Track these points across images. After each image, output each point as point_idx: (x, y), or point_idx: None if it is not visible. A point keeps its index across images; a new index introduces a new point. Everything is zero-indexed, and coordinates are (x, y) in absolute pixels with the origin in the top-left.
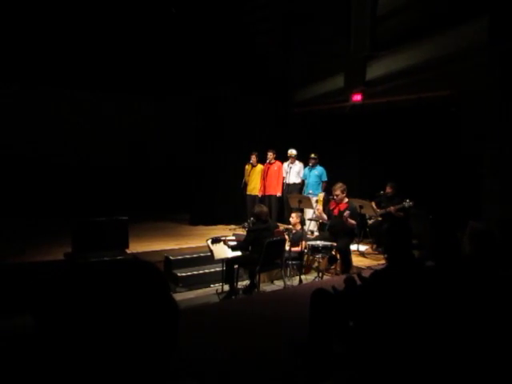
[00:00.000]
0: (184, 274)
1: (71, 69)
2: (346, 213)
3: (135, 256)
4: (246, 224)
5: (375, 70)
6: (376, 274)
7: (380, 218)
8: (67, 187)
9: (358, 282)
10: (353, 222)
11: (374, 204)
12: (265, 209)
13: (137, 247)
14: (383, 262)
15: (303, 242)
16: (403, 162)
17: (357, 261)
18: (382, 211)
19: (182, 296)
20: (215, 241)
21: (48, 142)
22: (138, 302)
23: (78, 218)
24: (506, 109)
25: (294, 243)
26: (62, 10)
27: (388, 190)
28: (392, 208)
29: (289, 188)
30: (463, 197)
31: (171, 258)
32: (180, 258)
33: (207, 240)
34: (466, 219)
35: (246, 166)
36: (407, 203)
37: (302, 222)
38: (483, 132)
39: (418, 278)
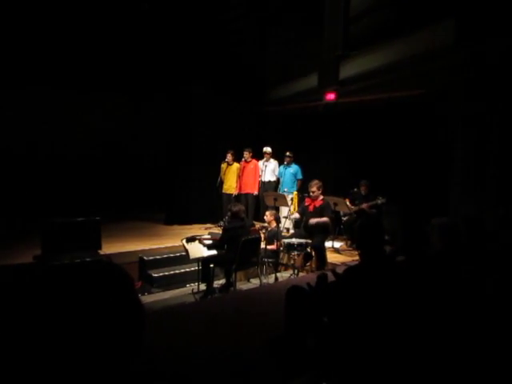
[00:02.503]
0: (159, 275)
1: (41, 65)
2: (312, 221)
3: (108, 257)
4: (221, 223)
5: (348, 70)
6: (349, 269)
7: (354, 215)
8: (36, 186)
9: (332, 279)
10: (325, 219)
11: (347, 201)
12: (240, 207)
13: (110, 248)
14: (357, 258)
15: (278, 240)
16: (376, 160)
17: (332, 257)
18: (356, 208)
19: (158, 296)
20: (190, 240)
21: (15, 138)
22: (102, 304)
23: (48, 218)
24: (469, 109)
25: (269, 241)
26: (30, 4)
27: (362, 187)
28: (365, 205)
29: (264, 186)
30: (433, 194)
31: (146, 258)
32: (155, 258)
33: (182, 239)
34: (435, 216)
35: (222, 165)
36: (380, 200)
37: (278, 220)
38: (451, 132)
39: (389, 273)
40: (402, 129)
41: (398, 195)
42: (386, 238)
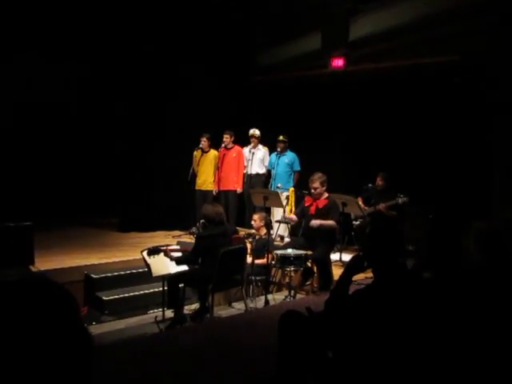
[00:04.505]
0: (111, 298)
1: None
2: (315, 222)
3: (43, 274)
4: (194, 229)
5: (361, 28)
6: (359, 290)
7: (369, 219)
8: None
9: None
10: (331, 222)
11: (360, 200)
12: (219, 208)
13: (46, 263)
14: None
15: (269, 252)
16: (397, 146)
17: (339, 274)
18: (371, 209)
19: (110, 326)
20: (153, 252)
21: None
22: (35, 335)
23: None
24: None
25: (257, 253)
26: None
27: (378, 182)
28: (382, 205)
29: (251, 180)
30: (471, 192)
31: (94, 276)
32: (106, 275)
33: (142, 251)
34: (472, 219)
35: (195, 153)
36: (401, 199)
37: (268, 226)
38: (494, 110)
39: (412, 294)
40: (430, 106)
41: (425, 192)
42: (410, 248)
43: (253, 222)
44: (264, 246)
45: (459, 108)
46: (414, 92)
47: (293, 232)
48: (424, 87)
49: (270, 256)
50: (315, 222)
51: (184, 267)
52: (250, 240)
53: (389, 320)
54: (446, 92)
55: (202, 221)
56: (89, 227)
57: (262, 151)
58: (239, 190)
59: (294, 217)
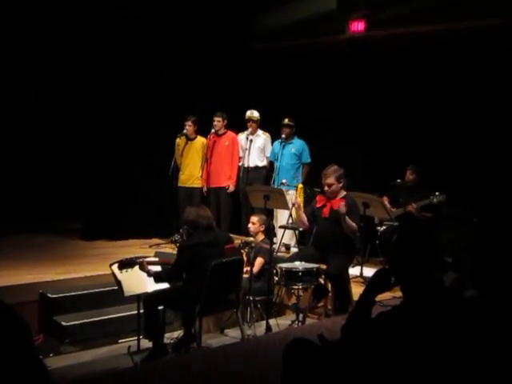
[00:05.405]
0: (73, 323)
1: None
2: (342, 205)
3: None
4: (177, 236)
5: None
6: (384, 314)
7: (396, 223)
8: None
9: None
10: (353, 224)
11: (386, 200)
12: (206, 211)
13: None
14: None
15: (259, 258)
16: (432, 131)
17: (360, 293)
18: (400, 211)
19: (72, 359)
20: (126, 265)
21: None
22: None
23: None
24: None
25: (252, 262)
26: None
27: (408, 176)
28: (413, 206)
29: (248, 175)
30: None
31: (51, 295)
32: (66, 295)
33: (112, 264)
34: None
35: (178, 140)
36: (436, 198)
37: (270, 232)
38: None
39: (451, 318)
40: (472, 82)
41: (467, 190)
42: (448, 259)
43: (250, 225)
44: (258, 252)
45: (508, 85)
46: (452, 64)
47: (301, 240)
48: (464, 58)
49: (259, 262)
50: (343, 205)
51: (164, 285)
52: (247, 249)
53: (421, 350)
54: (491, 63)
55: (185, 226)
56: (45, 234)
57: (261, 138)
58: (233, 187)
59: (303, 218)
